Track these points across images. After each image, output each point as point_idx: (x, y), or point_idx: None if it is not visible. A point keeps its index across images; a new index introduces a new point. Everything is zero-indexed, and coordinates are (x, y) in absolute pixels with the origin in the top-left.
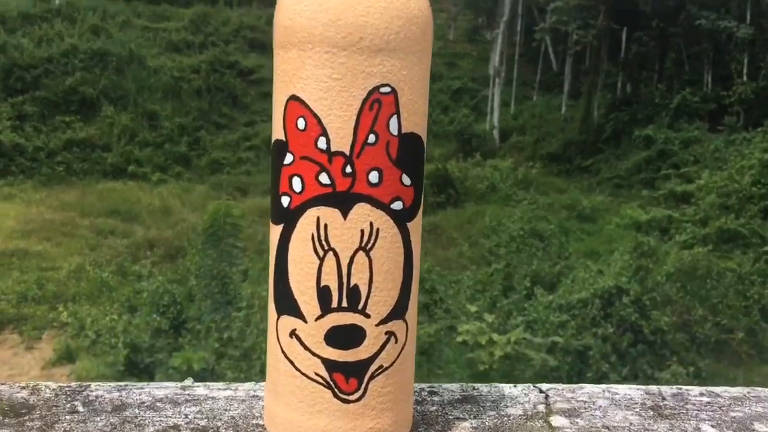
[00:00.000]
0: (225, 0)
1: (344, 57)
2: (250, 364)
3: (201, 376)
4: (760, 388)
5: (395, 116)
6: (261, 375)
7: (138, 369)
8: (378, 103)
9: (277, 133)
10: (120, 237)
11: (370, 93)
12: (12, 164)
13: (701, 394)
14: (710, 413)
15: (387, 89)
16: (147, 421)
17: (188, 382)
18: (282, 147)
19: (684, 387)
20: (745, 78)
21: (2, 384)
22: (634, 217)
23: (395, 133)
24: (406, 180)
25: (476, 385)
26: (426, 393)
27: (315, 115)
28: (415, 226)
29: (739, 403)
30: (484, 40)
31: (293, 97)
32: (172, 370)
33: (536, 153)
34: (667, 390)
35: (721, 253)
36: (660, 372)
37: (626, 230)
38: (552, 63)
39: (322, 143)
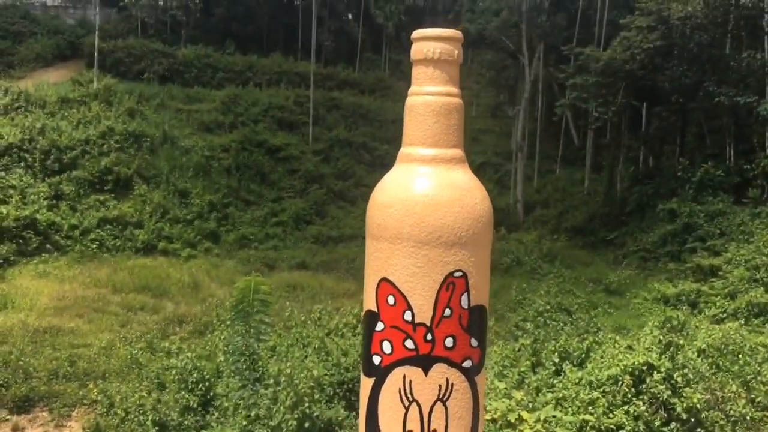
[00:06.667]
0: (255, 82)
1: (426, 250)
2: None
3: None
4: None
5: (466, 293)
6: None
7: None
8: (452, 285)
9: (369, 304)
10: (150, 313)
11: (446, 278)
12: (47, 242)
13: None
14: None
15: (459, 273)
16: None
17: None
18: (374, 317)
19: None
20: (767, 151)
21: None
22: (661, 291)
23: (465, 306)
24: (474, 342)
25: None
26: None
27: (402, 294)
28: (481, 379)
29: None
30: (506, 116)
31: (384, 279)
32: None
33: (560, 226)
34: None
35: (752, 327)
36: None
37: (654, 304)
38: (573, 137)
39: (408, 316)
